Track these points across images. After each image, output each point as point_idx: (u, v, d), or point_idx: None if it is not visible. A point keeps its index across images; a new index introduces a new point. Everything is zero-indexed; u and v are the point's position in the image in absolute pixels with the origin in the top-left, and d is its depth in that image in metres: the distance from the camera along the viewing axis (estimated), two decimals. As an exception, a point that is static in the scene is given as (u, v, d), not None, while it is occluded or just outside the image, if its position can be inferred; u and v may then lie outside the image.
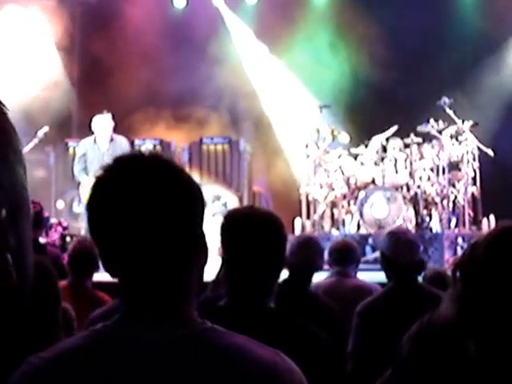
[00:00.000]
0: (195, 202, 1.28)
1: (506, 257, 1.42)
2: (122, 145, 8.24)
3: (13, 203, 1.05)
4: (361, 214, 9.00)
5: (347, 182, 9.50)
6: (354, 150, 9.84)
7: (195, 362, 1.19)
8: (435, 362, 1.49)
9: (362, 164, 9.55)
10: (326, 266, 4.48)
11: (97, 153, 8.17)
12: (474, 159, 9.15)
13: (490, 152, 8.88)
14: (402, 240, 3.63)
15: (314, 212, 9.58)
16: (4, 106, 1.10)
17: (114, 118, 8.37)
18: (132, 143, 10.01)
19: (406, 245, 3.60)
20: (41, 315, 1.90)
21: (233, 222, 2.16)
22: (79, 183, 8.33)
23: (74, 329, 2.89)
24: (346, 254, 4.52)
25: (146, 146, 8.19)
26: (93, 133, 8.29)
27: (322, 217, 9.66)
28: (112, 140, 8.22)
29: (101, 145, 8.21)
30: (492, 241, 1.47)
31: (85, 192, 8.17)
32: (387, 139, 9.51)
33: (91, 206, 1.27)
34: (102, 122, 8.20)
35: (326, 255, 4.39)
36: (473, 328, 1.43)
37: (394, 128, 9.44)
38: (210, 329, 1.25)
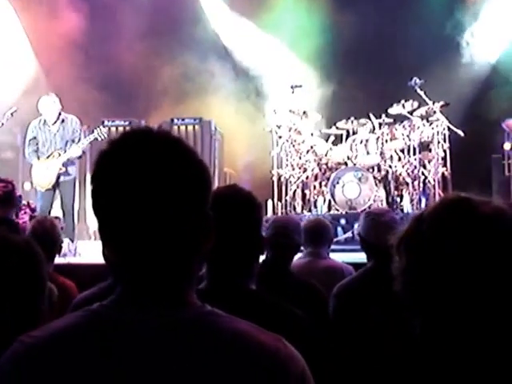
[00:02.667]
0: (203, 184, 1.25)
1: (449, 229, 1.40)
2: (73, 124, 8.28)
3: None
4: (332, 195, 9.02)
5: (319, 163, 9.50)
6: (325, 131, 9.85)
7: (197, 346, 1.17)
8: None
9: (333, 145, 9.55)
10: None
11: (48, 134, 8.22)
12: (445, 140, 9.20)
13: (461, 132, 8.92)
14: (379, 221, 3.62)
15: (286, 193, 9.58)
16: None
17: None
18: (102, 123, 9.91)
19: (383, 226, 3.57)
20: (24, 300, 1.87)
21: (211, 202, 2.12)
22: (31, 166, 8.32)
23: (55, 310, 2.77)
24: (320, 234, 4.47)
25: (100, 129, 8.14)
26: (41, 114, 8.30)
27: (293, 198, 9.65)
28: (63, 121, 8.26)
29: (51, 126, 8.25)
30: (435, 213, 1.45)
31: (36, 175, 8.19)
32: (357, 120, 9.52)
33: (96, 180, 1.23)
34: (47, 103, 8.20)
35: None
36: (418, 302, 1.42)
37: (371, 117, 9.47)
38: (211, 312, 1.23)
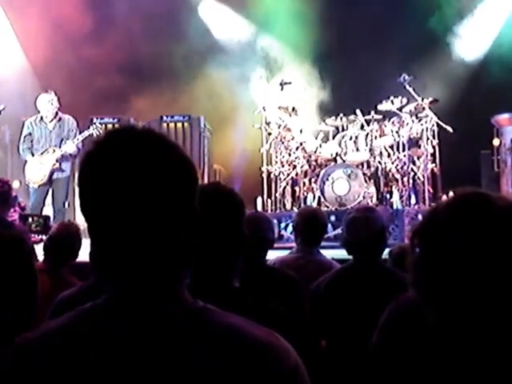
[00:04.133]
0: (190, 180, 1.25)
1: (465, 223, 1.41)
2: (70, 123, 8.35)
3: None
4: (322, 192, 9.01)
5: (308, 160, 9.49)
6: (315, 127, 9.84)
7: (191, 341, 1.17)
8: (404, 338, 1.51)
9: (322, 141, 9.54)
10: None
11: (44, 131, 8.27)
12: (434, 136, 9.21)
13: (450, 129, 8.94)
14: (357, 217, 3.60)
15: (276, 190, 9.56)
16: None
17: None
18: (91, 121, 9.87)
19: (360, 222, 3.56)
20: (16, 296, 1.86)
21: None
22: (25, 162, 8.34)
23: None
24: (313, 230, 4.40)
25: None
26: (39, 111, 8.35)
27: (283, 195, 9.64)
28: (60, 119, 8.32)
29: (48, 123, 8.30)
30: (452, 207, 1.45)
31: (30, 171, 8.21)
32: (347, 117, 9.52)
33: (82, 180, 1.23)
34: (45, 101, 8.25)
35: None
36: (432, 294, 1.43)
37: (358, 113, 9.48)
38: (204, 308, 1.23)
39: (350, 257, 3.72)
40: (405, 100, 9.09)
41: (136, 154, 1.19)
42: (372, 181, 9.20)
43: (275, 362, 1.18)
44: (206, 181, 9.89)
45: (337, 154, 9.34)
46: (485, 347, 1.38)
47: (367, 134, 9.32)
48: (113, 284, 1.23)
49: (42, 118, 8.28)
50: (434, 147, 9.26)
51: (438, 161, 9.27)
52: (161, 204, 1.19)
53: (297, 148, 9.51)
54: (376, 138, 9.28)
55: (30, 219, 8.48)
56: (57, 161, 8.11)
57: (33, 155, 8.20)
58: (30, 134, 8.30)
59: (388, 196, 9.16)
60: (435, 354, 1.45)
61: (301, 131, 9.54)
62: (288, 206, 9.56)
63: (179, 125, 10.75)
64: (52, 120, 8.26)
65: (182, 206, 1.23)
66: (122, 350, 1.16)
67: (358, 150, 9.30)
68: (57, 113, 8.30)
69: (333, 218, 8.39)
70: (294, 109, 9.53)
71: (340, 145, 9.36)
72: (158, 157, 1.20)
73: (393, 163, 9.26)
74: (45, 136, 8.21)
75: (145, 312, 1.19)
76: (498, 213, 1.41)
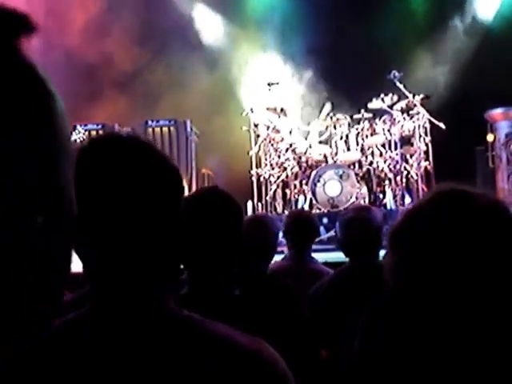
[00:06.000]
0: (174, 186, 1.25)
1: (446, 221, 1.39)
2: None
3: (53, 208, 0.80)
4: (313, 194, 8.85)
5: (299, 162, 9.34)
6: (304, 128, 9.70)
7: (177, 350, 1.17)
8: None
9: (312, 142, 9.41)
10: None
11: None
12: (426, 133, 9.11)
13: (442, 125, 8.82)
14: (355, 217, 3.51)
15: (266, 193, 9.39)
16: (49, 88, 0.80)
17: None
18: (74, 128, 9.75)
19: (358, 222, 3.47)
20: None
21: (191, 206, 2.01)
22: None
23: None
24: (304, 234, 4.22)
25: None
26: None
27: (274, 198, 9.48)
28: None
29: None
30: (431, 205, 1.43)
31: None
32: (336, 117, 9.38)
33: None
34: None
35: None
36: (411, 295, 1.42)
37: (328, 107, 9.37)
38: (189, 317, 1.23)
39: (344, 259, 3.64)
40: (396, 97, 8.99)
41: (120, 162, 1.19)
42: (364, 181, 9.06)
43: (262, 370, 1.18)
44: (194, 186, 9.76)
45: (328, 154, 9.20)
46: (465, 345, 1.37)
47: (358, 133, 9.21)
48: (97, 292, 1.22)
49: None
50: (426, 144, 9.16)
51: (431, 158, 9.15)
52: (145, 212, 1.19)
53: (286, 149, 9.37)
54: (367, 136, 9.19)
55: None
56: None
57: None
58: None
59: (381, 196, 9.03)
60: (414, 355, 1.44)
61: (290, 132, 9.40)
62: (279, 209, 9.41)
63: (165, 129, 10.55)
64: None
65: (167, 214, 1.22)
66: (104, 360, 1.15)
67: (349, 149, 9.18)
68: None
69: (325, 220, 8.26)
70: (282, 109, 9.39)
71: (330, 145, 9.23)
72: (142, 164, 1.20)
73: (385, 162, 9.14)
74: None
75: (129, 322, 1.18)
76: (479, 210, 1.39)
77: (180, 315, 1.23)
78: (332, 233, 8.02)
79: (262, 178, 9.42)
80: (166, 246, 1.23)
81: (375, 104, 9.06)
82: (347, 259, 3.69)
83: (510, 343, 1.38)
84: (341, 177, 8.79)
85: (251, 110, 9.45)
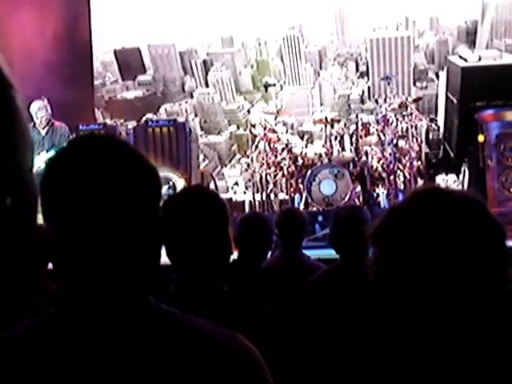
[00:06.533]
0: (151, 186, 1.25)
1: (429, 217, 1.40)
2: (62, 130, 8.52)
3: (19, 190, 0.95)
4: (309, 192, 8.99)
5: (294, 161, 9.49)
6: (300, 128, 9.84)
7: (156, 346, 1.19)
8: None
9: (308, 142, 9.54)
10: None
11: (36, 137, 8.36)
12: (419, 133, 9.22)
13: (434, 126, 8.96)
14: (345, 215, 3.61)
15: (263, 192, 9.54)
16: (9, 79, 0.96)
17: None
18: (76, 128, 9.88)
19: (348, 220, 3.57)
20: None
21: (177, 204, 2.10)
22: None
23: None
24: (294, 230, 4.32)
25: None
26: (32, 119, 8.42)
27: (270, 196, 9.62)
28: (52, 125, 8.48)
29: (41, 130, 8.44)
30: (413, 203, 1.46)
31: None
32: (331, 117, 9.52)
33: (44, 188, 1.21)
34: (37, 107, 8.37)
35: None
36: (394, 293, 1.43)
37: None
38: (167, 312, 1.26)
39: (338, 256, 3.70)
40: (389, 98, 9.11)
41: (96, 163, 1.19)
42: (358, 180, 9.20)
43: (236, 359, 1.22)
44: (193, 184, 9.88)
45: (323, 153, 9.34)
46: (447, 343, 1.39)
47: (352, 133, 9.32)
48: (76, 291, 1.22)
49: (34, 124, 8.40)
50: (419, 145, 9.27)
51: (423, 158, 9.28)
52: (123, 211, 1.19)
53: (282, 149, 9.50)
54: (361, 137, 9.29)
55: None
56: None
57: None
58: None
59: (375, 195, 9.16)
60: (397, 356, 1.45)
61: (286, 132, 9.53)
62: (276, 208, 9.54)
63: (164, 129, 10.71)
64: (45, 127, 8.43)
65: (143, 212, 1.22)
66: (89, 357, 1.16)
67: (343, 149, 9.31)
68: (50, 120, 8.46)
69: (320, 218, 8.38)
70: (278, 110, 9.53)
71: (325, 145, 9.37)
72: (118, 164, 1.21)
73: (379, 162, 9.26)
74: (37, 142, 8.34)
75: (107, 321, 1.19)
76: (459, 204, 1.41)
77: (160, 310, 1.26)
78: (327, 230, 8.18)
79: (258, 177, 9.57)
80: (146, 245, 1.24)
81: (369, 105, 9.21)
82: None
83: (490, 339, 1.38)
84: (336, 176, 8.93)
85: (248, 110, 9.60)
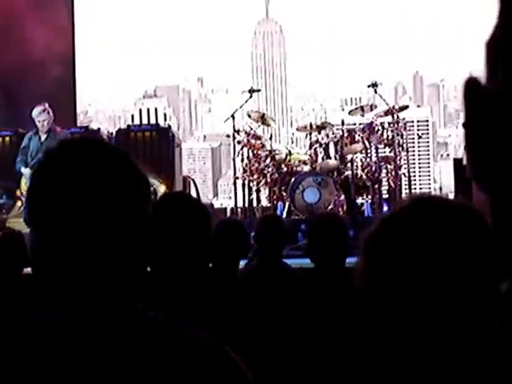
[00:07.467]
0: (140, 190, 1.26)
1: (426, 225, 1.36)
2: (62, 135, 8.35)
3: None
4: (292, 200, 8.90)
5: (278, 168, 9.40)
6: (284, 135, 9.78)
7: (143, 352, 1.19)
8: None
9: (292, 149, 9.48)
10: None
11: (37, 143, 8.39)
12: (405, 141, 9.20)
13: (419, 133, 8.95)
14: (321, 222, 3.62)
15: (245, 199, 9.43)
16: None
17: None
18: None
19: (324, 227, 3.55)
20: None
21: (159, 209, 2.05)
22: (21, 175, 8.52)
23: None
24: (272, 235, 4.28)
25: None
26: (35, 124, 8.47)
27: (253, 203, 9.52)
28: (52, 131, 8.40)
29: (41, 135, 8.44)
30: (408, 211, 1.41)
31: (25, 182, 8.38)
32: (316, 124, 9.46)
33: (32, 193, 1.23)
34: (38, 112, 8.35)
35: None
36: (388, 303, 1.40)
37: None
38: (154, 319, 1.25)
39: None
40: (374, 106, 9.10)
41: (84, 166, 1.20)
42: (343, 188, 9.13)
43: (226, 369, 1.22)
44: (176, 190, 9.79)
45: (307, 161, 9.26)
46: (441, 348, 1.36)
47: (337, 140, 9.25)
48: (61, 297, 1.21)
49: (37, 130, 8.42)
50: (406, 153, 9.25)
51: (409, 166, 9.26)
52: (111, 215, 1.19)
53: (266, 156, 9.41)
54: (346, 144, 9.21)
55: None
56: None
57: (26, 166, 8.35)
58: (24, 147, 8.48)
59: (359, 203, 9.10)
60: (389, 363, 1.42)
61: (270, 139, 9.48)
62: (258, 215, 9.46)
63: (147, 134, 10.60)
64: (46, 131, 8.40)
65: (131, 216, 1.22)
66: (76, 361, 1.16)
67: (328, 157, 9.23)
68: (51, 123, 8.41)
69: (303, 226, 8.30)
70: (263, 116, 9.46)
71: (310, 152, 9.30)
72: (107, 167, 1.21)
73: (363, 170, 9.20)
74: (37, 148, 8.34)
75: (97, 324, 1.19)
76: (456, 212, 1.37)
77: (148, 317, 1.25)
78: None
79: (241, 184, 9.47)
80: (133, 250, 1.23)
81: (354, 112, 9.16)
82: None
83: (482, 343, 1.37)
84: (319, 184, 8.84)
85: (232, 116, 9.51)
